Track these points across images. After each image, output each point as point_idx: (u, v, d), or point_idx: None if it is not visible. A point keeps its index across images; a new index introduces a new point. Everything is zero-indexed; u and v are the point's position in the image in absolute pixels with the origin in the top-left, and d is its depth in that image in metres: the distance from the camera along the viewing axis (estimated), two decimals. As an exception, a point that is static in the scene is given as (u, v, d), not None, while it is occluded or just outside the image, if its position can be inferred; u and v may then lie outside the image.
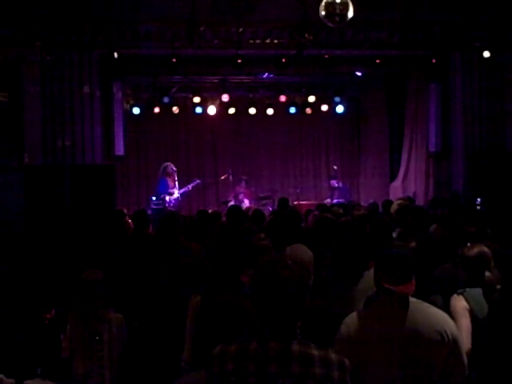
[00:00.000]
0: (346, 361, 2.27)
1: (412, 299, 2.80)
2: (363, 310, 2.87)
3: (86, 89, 9.66)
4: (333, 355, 2.26)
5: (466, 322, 3.54)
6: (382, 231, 5.19)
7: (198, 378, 2.58)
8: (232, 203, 11.50)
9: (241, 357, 2.24)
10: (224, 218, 7.14)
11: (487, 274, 3.73)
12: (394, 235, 5.39)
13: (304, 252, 4.60)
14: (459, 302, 3.62)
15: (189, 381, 2.73)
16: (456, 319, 3.52)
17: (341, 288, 4.00)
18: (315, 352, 2.23)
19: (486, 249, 3.83)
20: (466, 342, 3.47)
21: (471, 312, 3.57)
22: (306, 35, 9.30)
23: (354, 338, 2.74)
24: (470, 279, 3.73)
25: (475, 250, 3.80)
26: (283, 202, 8.89)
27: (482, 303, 3.59)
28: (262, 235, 4.82)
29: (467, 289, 3.68)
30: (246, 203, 11.77)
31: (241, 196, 12.30)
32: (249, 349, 2.24)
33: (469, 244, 4.06)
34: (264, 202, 12.63)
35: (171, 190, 11.13)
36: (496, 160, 10.06)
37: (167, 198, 10.98)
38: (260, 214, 7.20)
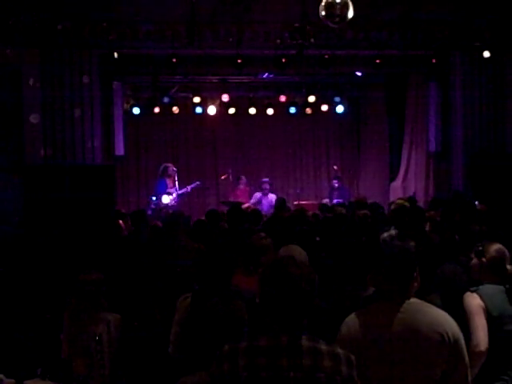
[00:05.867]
0: (353, 357, 2.35)
1: (413, 299, 2.79)
2: (363, 310, 2.87)
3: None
4: (340, 350, 2.33)
5: (481, 321, 3.49)
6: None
7: (198, 379, 2.59)
8: (258, 195, 11.33)
9: (252, 352, 2.28)
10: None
11: (509, 267, 3.71)
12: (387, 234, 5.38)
13: (299, 252, 4.62)
14: (474, 300, 3.57)
15: (188, 382, 2.74)
16: (471, 318, 3.49)
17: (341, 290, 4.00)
18: (323, 347, 2.30)
19: (502, 246, 3.81)
20: (483, 340, 3.44)
21: (486, 310, 3.52)
22: (306, 36, 9.29)
23: (354, 337, 2.74)
24: (492, 276, 3.69)
25: (495, 247, 3.78)
26: (280, 201, 8.89)
27: (497, 300, 3.56)
28: (263, 234, 4.82)
29: (480, 286, 3.64)
30: (272, 196, 11.49)
31: (264, 186, 11.65)
32: (259, 344, 2.30)
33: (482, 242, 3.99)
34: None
35: (170, 190, 11.13)
36: (496, 160, 10.05)
37: (164, 197, 10.97)
38: (257, 214, 7.19)
